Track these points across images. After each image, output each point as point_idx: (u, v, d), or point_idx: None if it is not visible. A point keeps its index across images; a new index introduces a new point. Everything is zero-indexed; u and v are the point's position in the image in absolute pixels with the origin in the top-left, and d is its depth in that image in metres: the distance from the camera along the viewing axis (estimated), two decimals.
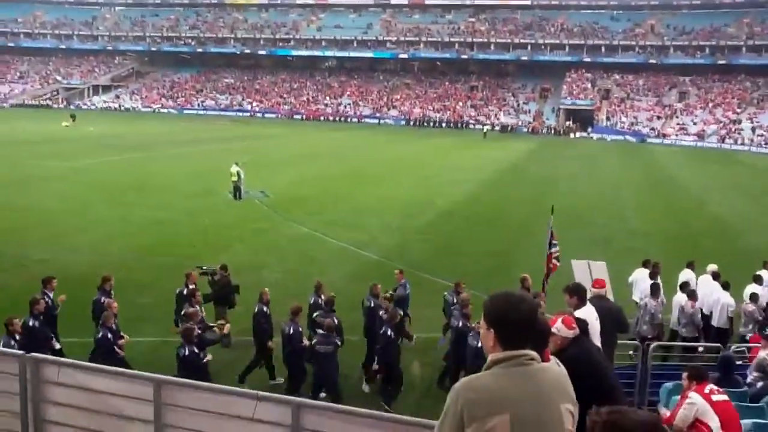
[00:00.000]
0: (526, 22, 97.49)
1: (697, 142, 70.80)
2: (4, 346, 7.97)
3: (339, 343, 9.90)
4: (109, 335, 9.43)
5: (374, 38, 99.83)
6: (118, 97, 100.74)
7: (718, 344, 10.15)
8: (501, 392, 2.67)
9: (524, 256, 19.65)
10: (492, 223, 24.36)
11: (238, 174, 26.79)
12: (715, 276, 12.72)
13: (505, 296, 2.89)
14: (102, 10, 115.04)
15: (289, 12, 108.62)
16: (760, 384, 8.16)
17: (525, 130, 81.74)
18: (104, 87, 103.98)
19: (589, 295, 7.64)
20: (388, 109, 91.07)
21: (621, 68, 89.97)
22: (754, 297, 11.65)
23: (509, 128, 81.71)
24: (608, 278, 11.56)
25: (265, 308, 11.01)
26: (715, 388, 6.20)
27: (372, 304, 11.48)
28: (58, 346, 10.06)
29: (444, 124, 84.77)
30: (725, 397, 6.14)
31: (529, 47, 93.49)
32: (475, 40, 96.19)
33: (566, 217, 26.05)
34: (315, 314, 11.15)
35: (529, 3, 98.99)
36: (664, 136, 74.20)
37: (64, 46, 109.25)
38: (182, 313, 10.68)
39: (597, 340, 6.43)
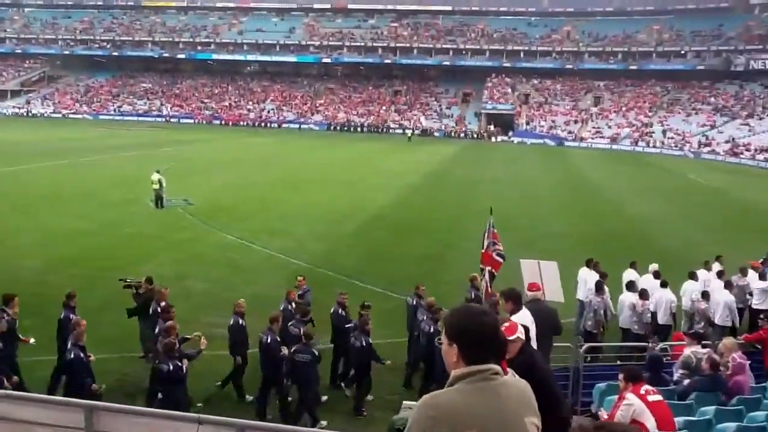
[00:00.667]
0: (447, 28, 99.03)
1: (612, 145, 73.58)
2: None
3: (317, 352, 9.77)
4: (82, 354, 8.96)
5: (297, 42, 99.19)
6: (28, 102, 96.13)
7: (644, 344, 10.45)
8: (466, 409, 2.59)
9: (453, 260, 19.86)
10: (419, 228, 24.49)
11: (160, 182, 25.94)
12: (656, 275, 13.19)
13: (466, 310, 2.82)
14: (10, 11, 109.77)
15: (209, 15, 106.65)
16: (686, 381, 8.42)
17: (440, 135, 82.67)
18: (13, 92, 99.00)
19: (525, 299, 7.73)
20: (312, 114, 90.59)
21: (539, 73, 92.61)
22: (705, 295, 12.17)
23: (428, 132, 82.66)
24: (559, 278, 11.99)
25: (240, 320, 10.75)
26: (651, 388, 6.34)
27: (340, 311, 11.49)
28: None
29: (365, 129, 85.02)
30: (660, 397, 6.29)
31: (450, 52, 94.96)
32: (397, 44, 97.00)
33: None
34: (290, 323, 10.92)
35: (450, 8, 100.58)
36: (581, 139, 76.75)
37: None
38: (157, 329, 10.22)
39: (534, 344, 6.47)
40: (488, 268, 12.64)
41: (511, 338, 4.79)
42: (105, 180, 32.61)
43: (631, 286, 12.54)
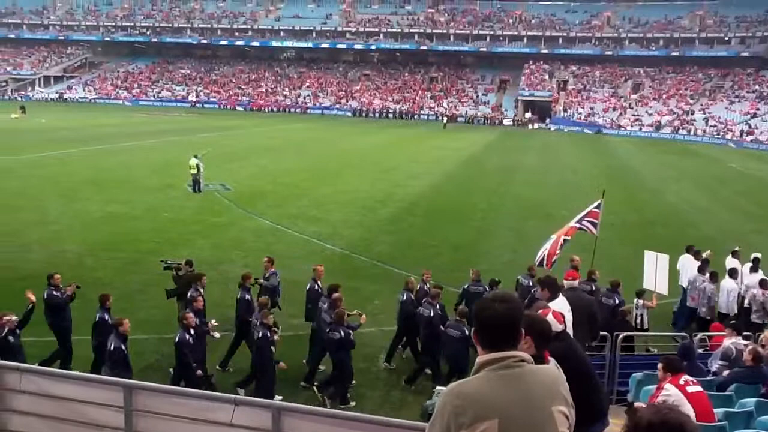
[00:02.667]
0: (484, 14, 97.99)
1: (652, 133, 72.18)
2: None
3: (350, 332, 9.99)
4: (123, 346, 9.00)
5: (333, 29, 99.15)
6: (70, 88, 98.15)
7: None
8: (489, 397, 2.59)
9: (489, 248, 19.79)
10: (455, 215, 24.38)
11: (198, 167, 26.28)
12: (754, 264, 13.33)
13: (487, 296, 2.87)
14: None
15: (247, 2, 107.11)
16: (726, 372, 8.28)
17: (492, 122, 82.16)
18: (56, 77, 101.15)
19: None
20: (348, 101, 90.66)
21: (578, 60, 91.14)
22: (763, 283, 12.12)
23: (471, 120, 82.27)
24: (667, 271, 12.35)
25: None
26: (690, 379, 6.25)
27: (404, 298, 11.49)
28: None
29: (395, 115, 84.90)
30: (699, 388, 6.20)
31: (487, 38, 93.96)
32: (434, 31, 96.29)
33: (526, 207, 26.39)
34: (325, 307, 10.85)
35: None
36: (620, 127, 75.44)
37: (13, 36, 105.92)
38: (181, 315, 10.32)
39: (570, 332, 6.42)
40: (565, 236, 12.94)
41: None
42: (144, 165, 33.15)
43: (734, 273, 12.67)
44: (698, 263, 13.24)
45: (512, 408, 2.59)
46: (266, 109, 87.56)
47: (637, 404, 7.06)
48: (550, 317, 4.90)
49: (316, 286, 11.78)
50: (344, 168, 35.41)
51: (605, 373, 9.11)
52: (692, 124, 72.65)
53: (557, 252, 12.60)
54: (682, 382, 6.06)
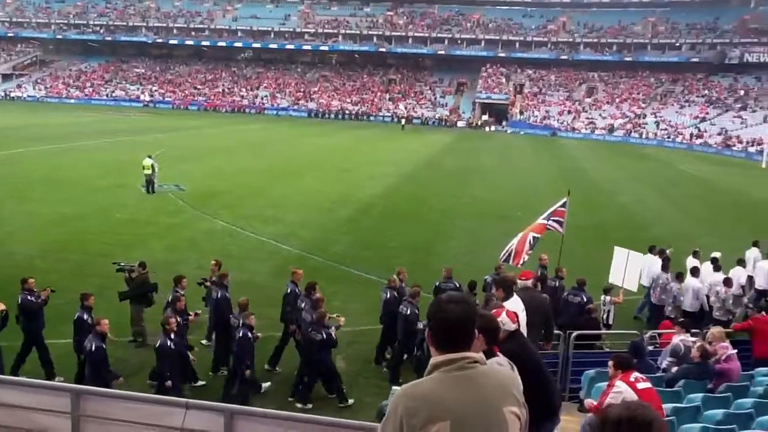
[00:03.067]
0: (443, 17, 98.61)
1: (605, 135, 73.62)
2: None
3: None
4: (102, 345, 9.03)
5: (292, 30, 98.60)
6: (20, 86, 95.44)
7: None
8: (441, 399, 2.59)
9: (446, 249, 19.90)
10: (412, 216, 24.48)
11: (153, 167, 25.85)
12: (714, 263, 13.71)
13: (440, 298, 2.85)
14: None
15: (204, 1, 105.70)
16: (674, 369, 8.48)
17: (445, 123, 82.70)
18: (5, 75, 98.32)
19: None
20: (306, 101, 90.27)
21: (534, 64, 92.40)
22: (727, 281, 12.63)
23: (425, 121, 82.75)
24: (639, 269, 12.86)
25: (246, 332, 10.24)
26: (640, 376, 6.37)
27: (387, 296, 11.73)
28: None
29: (351, 116, 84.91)
30: (649, 385, 6.32)
31: (446, 42, 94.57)
32: (393, 33, 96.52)
33: (483, 209, 26.63)
34: (303, 306, 10.92)
35: None
36: (574, 129, 76.76)
37: None
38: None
39: (524, 332, 6.49)
40: (534, 234, 13.51)
41: (501, 323, 4.81)
42: (96, 165, 32.46)
43: (695, 272, 13.09)
44: (661, 262, 13.61)
45: (465, 409, 2.58)
46: (222, 110, 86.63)
47: (587, 401, 7.16)
48: (503, 317, 4.95)
49: (297, 290, 11.60)
50: (301, 169, 35.23)
51: (558, 370, 9.24)
52: (644, 128, 74.35)
53: (528, 250, 13.00)
54: (632, 378, 6.18)
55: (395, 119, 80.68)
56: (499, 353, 3.12)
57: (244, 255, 18.21)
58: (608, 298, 12.51)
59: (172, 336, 9.35)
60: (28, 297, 10.35)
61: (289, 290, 11.70)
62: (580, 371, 9.03)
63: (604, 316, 12.29)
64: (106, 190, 26.24)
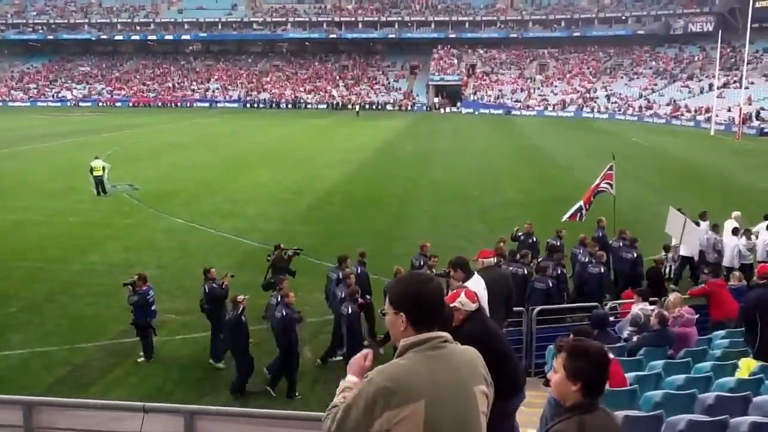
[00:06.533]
0: (392, 0, 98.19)
1: (559, 111, 74.48)
2: None
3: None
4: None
5: (240, 19, 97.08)
6: None
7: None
8: (417, 378, 2.56)
9: (407, 232, 19.89)
10: (372, 203, 24.45)
11: (103, 168, 25.26)
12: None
13: (412, 277, 2.85)
14: None
15: None
16: (635, 338, 8.63)
17: (395, 107, 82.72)
18: None
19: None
20: (259, 92, 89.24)
21: (485, 43, 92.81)
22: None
23: (381, 106, 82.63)
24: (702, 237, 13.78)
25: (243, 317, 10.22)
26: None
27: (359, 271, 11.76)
28: None
29: (288, 105, 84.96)
30: (611, 355, 6.39)
31: (396, 25, 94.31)
32: (342, 19, 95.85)
33: (442, 191, 26.72)
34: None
35: None
36: (528, 107, 77.47)
37: None
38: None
39: (486, 311, 6.50)
40: (580, 202, 15.53)
41: (451, 305, 4.79)
42: (45, 169, 31.61)
43: (735, 232, 13.92)
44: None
45: (439, 389, 2.57)
46: (173, 105, 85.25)
47: (550, 374, 7.22)
48: (462, 297, 4.93)
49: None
50: (258, 161, 34.87)
51: (523, 347, 9.33)
52: (595, 102, 75.41)
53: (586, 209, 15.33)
54: None
55: (349, 106, 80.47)
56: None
57: (205, 251, 17.95)
58: (669, 254, 13.88)
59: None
60: (213, 285, 10.98)
61: (359, 271, 11.80)
62: (544, 346, 9.12)
63: (667, 271, 13.57)
64: (57, 194, 25.57)
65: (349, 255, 12.11)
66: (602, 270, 12.19)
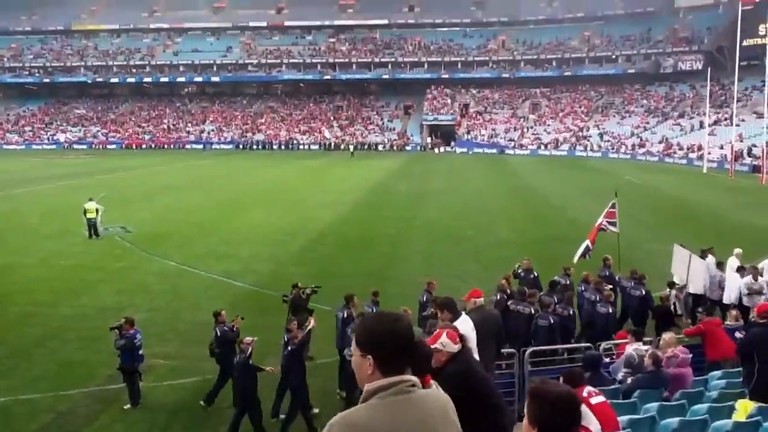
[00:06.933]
0: (385, 41, 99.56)
1: (552, 150, 75.02)
2: None
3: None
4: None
5: (234, 62, 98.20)
6: None
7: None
8: (381, 426, 2.44)
9: (399, 273, 19.81)
10: (365, 243, 24.37)
11: (97, 210, 25.18)
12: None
13: (380, 317, 2.73)
14: None
15: (143, 37, 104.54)
16: (630, 380, 8.50)
17: (389, 147, 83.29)
18: None
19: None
20: (254, 133, 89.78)
21: (477, 83, 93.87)
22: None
23: (374, 147, 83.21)
24: (707, 273, 13.82)
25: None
26: (593, 390, 6.34)
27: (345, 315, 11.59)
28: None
29: (282, 146, 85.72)
30: (602, 399, 6.29)
31: (389, 66, 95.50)
32: (336, 60, 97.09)
33: (435, 231, 26.70)
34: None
35: (386, 22, 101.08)
36: (521, 146, 78.04)
37: None
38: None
39: (474, 352, 6.40)
40: (587, 241, 15.76)
41: (433, 346, 4.69)
42: (38, 211, 31.52)
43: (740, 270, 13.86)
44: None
45: None
46: (170, 146, 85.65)
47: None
48: (443, 338, 4.84)
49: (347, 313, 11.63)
50: (252, 202, 34.87)
51: (515, 390, 9.17)
52: (588, 140, 76.03)
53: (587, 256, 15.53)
54: (585, 394, 6.13)
55: (342, 146, 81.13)
56: (431, 382, 3.00)
57: (197, 294, 17.84)
58: (674, 292, 13.69)
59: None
60: (224, 328, 10.96)
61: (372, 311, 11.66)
62: None
63: (673, 309, 13.37)
64: (50, 237, 25.45)
65: (354, 294, 12.14)
66: (610, 310, 12.20)
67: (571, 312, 12.03)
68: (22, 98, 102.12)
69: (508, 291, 12.97)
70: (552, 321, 11.09)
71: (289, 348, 9.90)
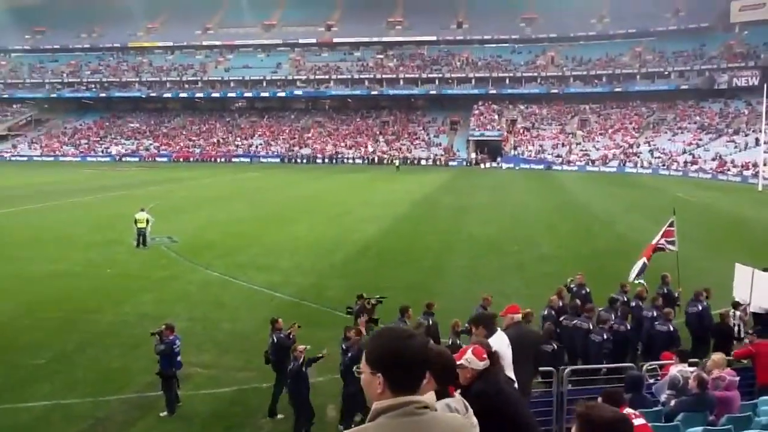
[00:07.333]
0: (432, 58, 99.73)
1: (600, 166, 73.76)
2: None
3: None
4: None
5: (283, 78, 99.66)
6: (15, 146, 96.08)
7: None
8: None
9: (443, 287, 19.57)
10: (408, 257, 24.16)
11: (147, 220, 25.66)
12: None
13: (393, 333, 2.56)
14: None
15: (196, 54, 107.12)
16: (673, 402, 8.12)
17: (432, 162, 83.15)
18: (0, 137, 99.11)
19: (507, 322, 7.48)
20: (301, 148, 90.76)
21: (525, 99, 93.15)
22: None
23: (417, 161, 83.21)
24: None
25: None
26: (633, 412, 6.03)
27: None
28: None
29: (325, 160, 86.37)
30: (643, 421, 5.98)
31: (436, 81, 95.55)
32: (384, 76, 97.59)
33: (479, 245, 26.36)
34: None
35: (434, 39, 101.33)
36: (569, 162, 76.93)
37: None
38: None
39: (509, 370, 6.17)
40: (644, 259, 15.22)
41: (458, 363, 4.48)
42: (88, 221, 32.25)
43: None
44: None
45: None
46: (217, 160, 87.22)
47: None
48: (469, 354, 4.63)
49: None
50: (296, 215, 35.06)
51: (553, 409, 8.86)
52: (638, 157, 74.52)
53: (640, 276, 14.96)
54: None
55: (389, 160, 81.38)
56: (455, 394, 2.82)
57: (237, 304, 17.91)
58: (738, 312, 13.01)
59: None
60: (281, 335, 11.05)
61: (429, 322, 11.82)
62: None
63: (736, 330, 12.78)
64: (97, 246, 25.94)
65: (409, 305, 12.17)
66: (670, 328, 11.88)
67: (628, 327, 11.97)
68: (79, 112, 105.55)
69: (560, 304, 12.88)
70: (605, 337, 11.02)
71: (350, 355, 9.96)
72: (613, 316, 11.92)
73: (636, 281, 14.83)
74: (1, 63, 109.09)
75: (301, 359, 9.96)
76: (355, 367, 2.60)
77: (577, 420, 2.69)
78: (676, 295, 13.95)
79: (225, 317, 16.58)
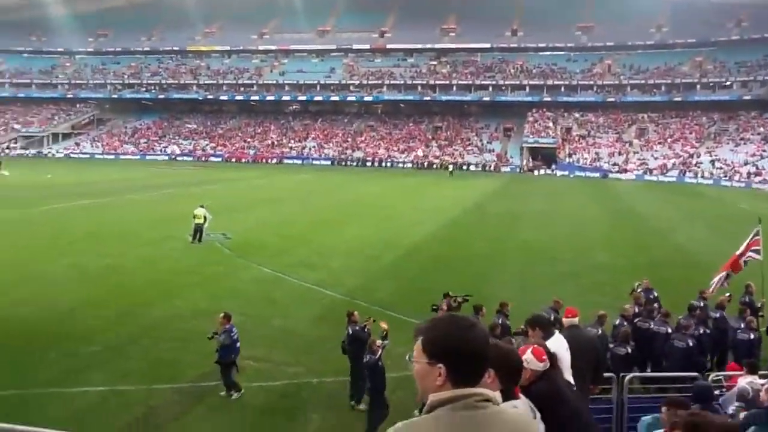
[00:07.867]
0: (486, 65, 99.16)
1: (658, 176, 72.04)
2: None
3: None
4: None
5: (337, 82, 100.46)
6: (78, 144, 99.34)
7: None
8: None
9: (492, 291, 19.23)
10: (457, 261, 23.91)
11: (205, 217, 26.09)
12: None
13: (453, 321, 2.39)
14: (61, 59, 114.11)
15: (252, 58, 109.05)
16: (742, 415, 7.73)
17: (482, 168, 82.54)
18: (64, 134, 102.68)
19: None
20: (353, 151, 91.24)
21: (581, 107, 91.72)
22: None
23: (467, 167, 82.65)
24: None
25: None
26: None
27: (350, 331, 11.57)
28: None
29: (375, 164, 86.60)
30: None
31: (490, 88, 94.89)
32: (437, 82, 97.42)
33: (532, 252, 25.93)
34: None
35: (488, 46, 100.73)
36: (626, 171, 75.33)
37: (23, 95, 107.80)
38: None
39: (567, 374, 5.96)
40: (728, 271, 14.73)
41: (525, 361, 4.33)
42: (145, 217, 32.95)
43: None
44: None
45: None
46: (269, 161, 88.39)
47: None
48: (528, 354, 4.47)
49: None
50: (347, 217, 35.15)
51: (612, 416, 8.56)
52: (699, 167, 72.50)
53: (720, 285, 14.53)
54: None
55: (434, 166, 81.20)
56: (521, 395, 2.67)
57: (288, 301, 18.01)
58: None
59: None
60: (356, 328, 11.36)
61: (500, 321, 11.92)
62: (636, 418, 8.34)
63: None
64: (153, 241, 26.46)
65: (482, 304, 12.33)
66: (752, 336, 11.60)
67: (707, 332, 11.89)
68: (139, 112, 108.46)
69: (636, 310, 12.71)
70: (690, 344, 10.89)
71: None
72: (693, 322, 11.81)
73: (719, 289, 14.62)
74: (66, 64, 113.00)
75: (378, 354, 10.20)
76: (407, 355, 2.43)
77: (683, 428, 2.48)
78: (759, 305, 13.62)
79: (276, 313, 16.67)
